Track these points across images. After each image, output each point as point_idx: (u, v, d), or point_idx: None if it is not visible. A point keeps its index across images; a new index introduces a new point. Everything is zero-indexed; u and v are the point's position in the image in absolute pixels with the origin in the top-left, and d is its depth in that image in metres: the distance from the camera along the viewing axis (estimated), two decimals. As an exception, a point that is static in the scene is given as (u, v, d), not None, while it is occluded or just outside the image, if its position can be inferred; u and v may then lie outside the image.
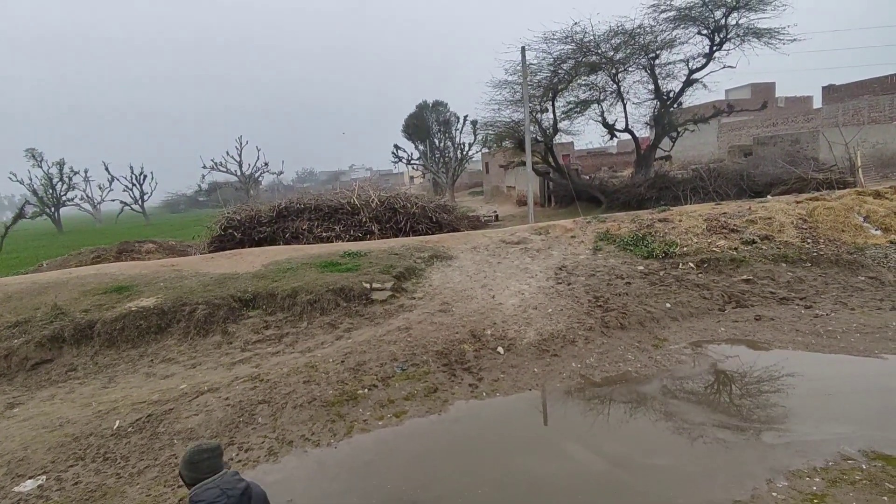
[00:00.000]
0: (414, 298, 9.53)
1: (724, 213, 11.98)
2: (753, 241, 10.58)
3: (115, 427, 6.04)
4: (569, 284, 9.68)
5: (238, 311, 8.89)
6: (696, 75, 23.47)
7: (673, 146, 28.60)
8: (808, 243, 10.47)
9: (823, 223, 11.05)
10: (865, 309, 8.37)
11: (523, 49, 20.04)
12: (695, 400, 6.25)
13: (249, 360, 7.67)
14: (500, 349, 7.63)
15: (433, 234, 15.83)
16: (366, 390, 6.58)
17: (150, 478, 5.19)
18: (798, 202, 12.25)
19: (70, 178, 56.03)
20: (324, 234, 15.71)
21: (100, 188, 63.07)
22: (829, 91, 33.28)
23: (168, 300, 8.93)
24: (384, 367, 7.12)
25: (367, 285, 9.50)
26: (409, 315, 8.82)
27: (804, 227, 11.05)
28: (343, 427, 5.88)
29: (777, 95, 39.80)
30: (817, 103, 36.77)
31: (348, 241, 15.12)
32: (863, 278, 9.43)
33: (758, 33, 21.64)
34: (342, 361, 7.26)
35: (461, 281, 10.21)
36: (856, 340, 7.34)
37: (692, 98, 25.52)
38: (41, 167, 54.06)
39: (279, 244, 15.06)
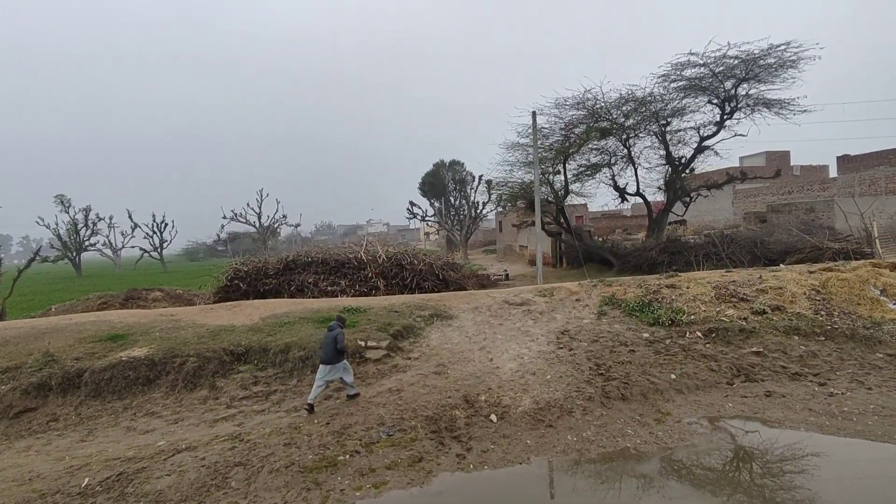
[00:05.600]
0: (409, 358, 9.28)
1: (734, 281, 11.66)
2: (764, 312, 10.20)
3: (83, 485, 5.79)
4: (570, 350, 9.36)
5: (228, 365, 8.72)
6: (707, 142, 23.65)
7: (686, 211, 28.51)
8: (822, 316, 10.06)
9: (838, 295, 10.66)
10: (884, 389, 7.86)
11: (534, 114, 20.53)
12: (698, 483, 5.80)
13: (233, 418, 7.43)
14: (493, 417, 7.28)
15: (439, 291, 15.68)
16: (347, 456, 6.27)
17: (108, 545, 4.90)
18: (811, 272, 11.90)
19: (94, 224, 57.76)
20: (329, 288, 15.66)
21: (122, 234, 64.64)
22: (845, 161, 33.21)
23: (160, 351, 8.82)
24: (370, 431, 6.82)
25: (362, 343, 9.31)
26: (402, 376, 8.55)
27: (817, 298, 10.65)
28: (318, 497, 5.54)
29: (793, 164, 39.93)
30: (833, 172, 36.70)
31: (353, 295, 15.03)
32: (881, 355, 8.94)
33: (768, 104, 21.90)
34: (327, 423, 6.99)
35: (459, 342, 9.95)
36: (874, 423, 6.84)
37: (705, 164, 25.67)
38: (68, 213, 55.99)
39: (284, 297, 15.01)
